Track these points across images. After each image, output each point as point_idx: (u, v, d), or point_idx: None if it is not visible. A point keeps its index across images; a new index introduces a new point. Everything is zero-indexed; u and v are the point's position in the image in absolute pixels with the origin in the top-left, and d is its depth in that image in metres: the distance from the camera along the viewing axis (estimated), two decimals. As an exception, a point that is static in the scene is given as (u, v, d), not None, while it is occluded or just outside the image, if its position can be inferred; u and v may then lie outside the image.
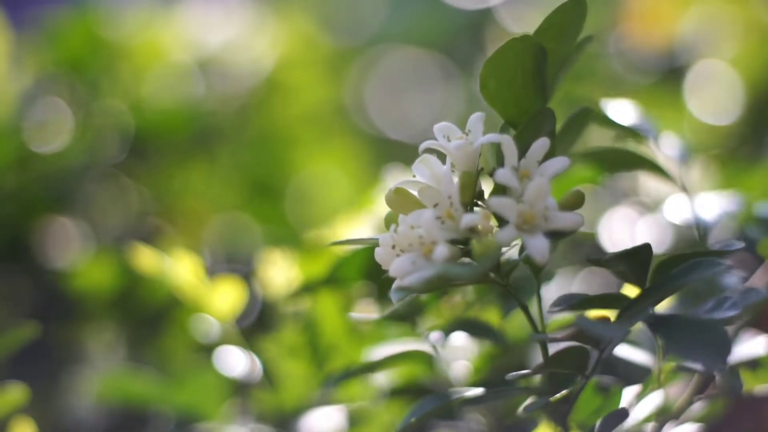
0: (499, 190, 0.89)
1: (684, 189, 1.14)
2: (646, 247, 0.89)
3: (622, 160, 1.14)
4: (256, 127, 2.60)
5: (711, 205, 1.18)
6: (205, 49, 2.62)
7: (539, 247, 0.84)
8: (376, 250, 0.90)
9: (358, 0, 3.35)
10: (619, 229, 1.44)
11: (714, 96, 2.31)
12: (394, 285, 0.87)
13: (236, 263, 2.29)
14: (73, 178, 2.35)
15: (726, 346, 0.82)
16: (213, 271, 2.19)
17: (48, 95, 2.41)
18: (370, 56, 3.15)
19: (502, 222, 0.88)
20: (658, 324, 0.86)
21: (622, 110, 1.15)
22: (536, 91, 0.92)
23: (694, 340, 0.83)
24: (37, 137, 2.32)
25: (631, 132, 1.12)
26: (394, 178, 1.41)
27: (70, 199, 2.36)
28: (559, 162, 0.89)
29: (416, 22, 3.25)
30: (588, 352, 0.90)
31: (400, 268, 0.86)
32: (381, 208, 1.34)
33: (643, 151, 1.15)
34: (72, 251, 2.22)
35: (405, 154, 2.95)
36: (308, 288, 1.22)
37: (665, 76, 2.46)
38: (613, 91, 2.44)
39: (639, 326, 1.08)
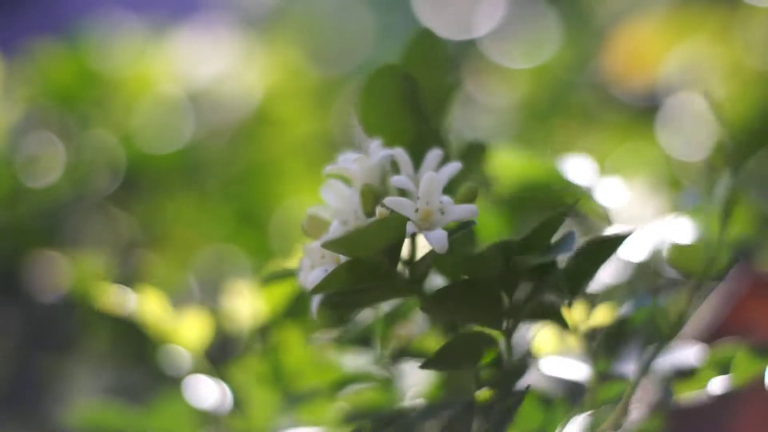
0: (398, 194, 0.93)
1: (619, 223, 1.16)
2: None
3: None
4: (245, 160, 2.63)
5: (656, 236, 1.20)
6: (195, 82, 2.66)
7: (438, 238, 0.88)
8: (299, 275, 0.95)
9: (345, 30, 3.39)
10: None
11: (697, 136, 2.33)
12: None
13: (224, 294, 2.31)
14: (64, 211, 2.38)
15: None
16: (202, 301, 2.23)
17: (39, 128, 2.43)
18: (357, 84, 3.18)
19: None
20: None
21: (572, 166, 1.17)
22: (414, 118, 0.97)
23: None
24: (29, 171, 2.34)
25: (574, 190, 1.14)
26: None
27: (61, 232, 2.38)
28: (451, 167, 0.94)
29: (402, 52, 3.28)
30: (489, 336, 0.93)
31: (314, 277, 0.90)
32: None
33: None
34: (61, 284, 2.25)
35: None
36: (272, 323, 1.26)
37: (645, 113, 2.48)
38: (588, 124, 2.47)
39: (573, 344, 1.10)
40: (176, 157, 2.52)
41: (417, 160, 0.95)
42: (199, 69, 2.69)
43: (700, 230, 1.08)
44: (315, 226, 0.95)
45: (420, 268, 0.92)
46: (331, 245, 0.86)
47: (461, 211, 0.90)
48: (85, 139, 2.45)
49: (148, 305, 1.34)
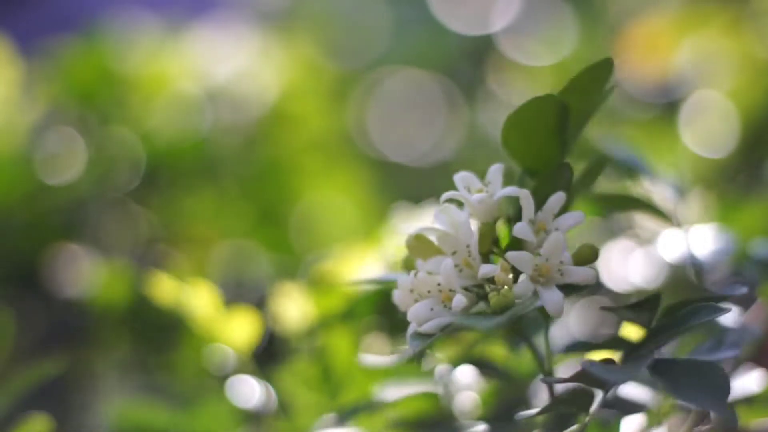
0: (515, 241, 0.93)
1: (679, 227, 1.18)
2: (655, 297, 0.93)
3: (620, 203, 1.19)
4: (263, 157, 2.64)
5: (705, 242, 1.22)
6: (213, 80, 2.67)
7: (554, 300, 0.89)
8: (395, 292, 0.94)
9: (361, 25, 3.39)
10: (617, 263, 1.47)
11: (709, 128, 2.34)
12: (411, 330, 0.91)
13: (244, 289, 2.34)
14: (85, 208, 2.40)
15: (726, 388, 0.85)
16: (222, 297, 2.24)
17: (59, 126, 2.45)
18: (373, 79, 3.20)
19: (518, 273, 0.91)
20: (659, 368, 0.89)
21: (619, 148, 1.19)
22: (557, 146, 0.96)
23: (695, 383, 0.86)
24: (49, 169, 2.36)
25: (629, 171, 1.16)
26: (402, 217, 1.47)
27: (81, 227, 2.40)
28: (574, 216, 0.93)
29: (418, 47, 3.30)
30: (593, 393, 0.93)
31: (418, 313, 0.91)
32: (390, 247, 1.39)
33: (638, 191, 1.19)
34: (83, 278, 2.26)
35: (407, 177, 3.00)
36: (323, 323, 1.28)
37: (662, 109, 2.50)
38: (610, 124, 2.49)
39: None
40: (195, 154, 2.54)
41: (546, 185, 0.95)
42: (216, 66, 2.70)
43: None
44: (421, 246, 0.95)
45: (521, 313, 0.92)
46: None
47: (580, 275, 0.91)
48: (104, 137, 2.47)
49: (199, 301, 1.35)
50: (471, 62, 3.19)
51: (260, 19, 3.23)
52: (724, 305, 0.89)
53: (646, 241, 1.42)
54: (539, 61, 2.83)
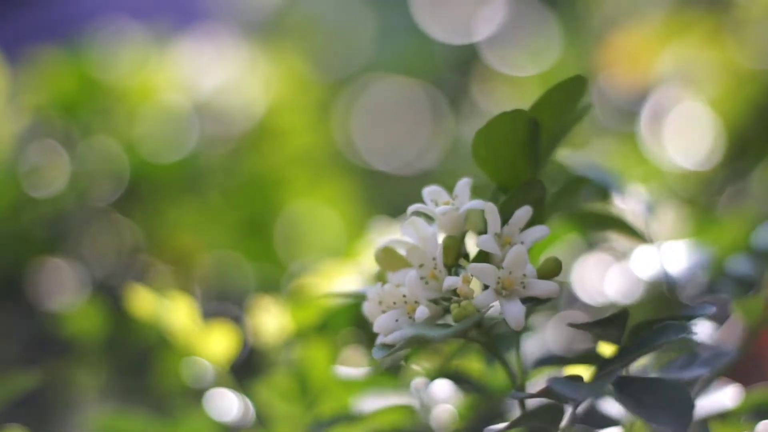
0: (482, 254, 0.93)
1: (651, 243, 1.18)
2: (622, 314, 0.93)
3: (592, 221, 1.19)
4: (248, 170, 2.64)
5: (679, 257, 1.22)
6: (198, 92, 2.66)
7: (515, 312, 0.89)
8: (365, 304, 0.95)
9: (346, 34, 3.40)
10: (592, 276, 1.47)
11: (693, 138, 2.35)
12: (377, 341, 0.92)
13: (227, 300, 2.33)
14: (68, 219, 2.39)
15: (689, 409, 0.85)
16: (205, 308, 2.24)
17: (43, 137, 2.44)
18: (358, 87, 3.20)
19: (485, 286, 0.92)
20: (624, 386, 0.89)
21: (587, 165, 1.19)
22: (527, 161, 0.96)
23: (657, 402, 0.86)
24: (33, 180, 2.35)
25: (600, 190, 1.16)
26: (380, 231, 1.48)
27: (64, 239, 2.39)
28: (539, 230, 0.94)
29: (403, 56, 3.32)
30: (562, 408, 0.94)
31: (383, 324, 0.92)
32: (367, 260, 1.40)
33: (609, 209, 1.19)
34: (65, 291, 2.26)
35: (391, 185, 3.01)
36: (301, 336, 1.28)
37: (644, 119, 2.51)
38: (593, 137, 2.50)
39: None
40: (179, 166, 2.54)
41: (515, 200, 0.94)
42: (202, 78, 2.70)
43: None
44: (389, 259, 0.96)
45: (489, 325, 0.94)
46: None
47: (542, 288, 0.91)
48: (88, 148, 2.46)
49: (177, 315, 1.35)
50: (456, 71, 3.21)
51: (246, 29, 3.23)
52: (693, 324, 0.89)
53: (622, 255, 1.42)
54: (523, 71, 2.84)
